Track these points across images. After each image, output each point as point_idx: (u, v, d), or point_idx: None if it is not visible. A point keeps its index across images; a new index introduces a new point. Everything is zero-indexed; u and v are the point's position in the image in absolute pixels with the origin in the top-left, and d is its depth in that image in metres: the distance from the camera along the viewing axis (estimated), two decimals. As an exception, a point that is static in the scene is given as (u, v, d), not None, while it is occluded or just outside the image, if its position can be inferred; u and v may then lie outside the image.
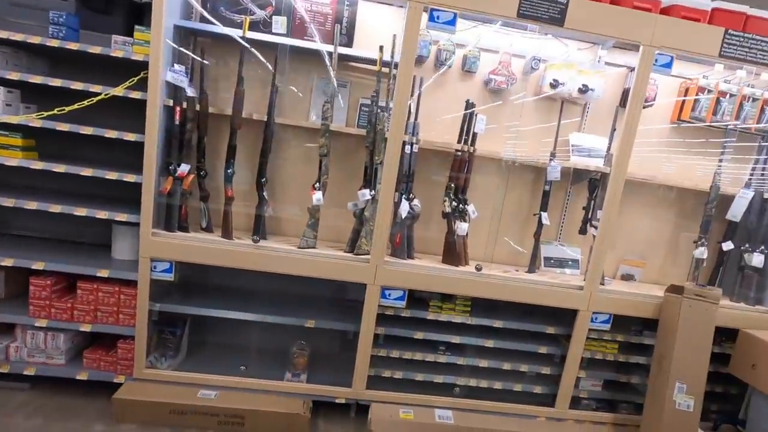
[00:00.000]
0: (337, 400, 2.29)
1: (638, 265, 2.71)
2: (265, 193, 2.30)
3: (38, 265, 2.03)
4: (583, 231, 2.50)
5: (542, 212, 2.47)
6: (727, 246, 2.54)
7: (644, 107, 2.22)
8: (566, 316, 2.36)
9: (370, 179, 2.26)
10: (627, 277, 2.72)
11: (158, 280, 2.13)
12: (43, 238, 2.40)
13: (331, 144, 2.24)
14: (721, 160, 2.51)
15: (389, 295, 2.21)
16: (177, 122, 2.13)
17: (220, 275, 2.46)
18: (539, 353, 2.40)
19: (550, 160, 2.42)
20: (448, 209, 2.38)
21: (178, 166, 2.16)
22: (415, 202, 2.35)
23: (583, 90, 2.37)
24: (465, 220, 2.38)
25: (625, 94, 2.46)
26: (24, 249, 2.16)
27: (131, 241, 2.20)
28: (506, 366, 2.38)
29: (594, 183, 2.46)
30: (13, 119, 1.95)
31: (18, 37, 1.92)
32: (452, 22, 2.02)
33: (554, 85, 2.38)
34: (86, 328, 2.11)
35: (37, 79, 1.95)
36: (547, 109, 2.53)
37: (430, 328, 2.34)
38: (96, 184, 2.11)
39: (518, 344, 2.39)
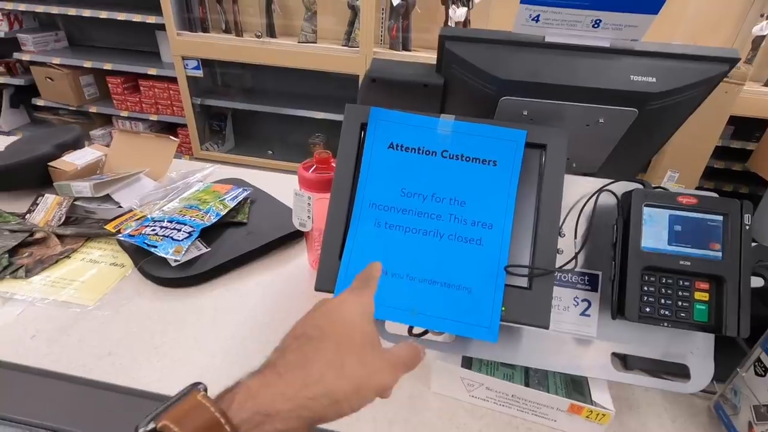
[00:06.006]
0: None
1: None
2: (270, -9, 2.41)
3: (107, 65, 2.59)
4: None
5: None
6: (812, 18, 2.01)
7: None
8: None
9: (360, -37, 2.19)
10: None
11: (194, 77, 2.56)
12: (110, 47, 2.94)
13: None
14: None
15: (381, 86, 2.35)
16: None
17: (254, 78, 2.82)
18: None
19: None
20: (446, -7, 2.24)
21: (187, -34, 2.34)
22: (412, -13, 2.25)
23: None
24: (465, 5, 2.23)
25: None
26: (97, 55, 2.72)
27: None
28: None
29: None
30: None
31: None
32: None
33: None
34: (154, 117, 2.74)
35: None
36: None
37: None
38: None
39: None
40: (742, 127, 2.16)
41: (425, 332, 0.60)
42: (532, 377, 0.58)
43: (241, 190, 0.97)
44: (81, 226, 0.88)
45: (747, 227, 0.49)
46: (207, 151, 2.82)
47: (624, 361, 0.65)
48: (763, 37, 2.03)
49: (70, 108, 2.80)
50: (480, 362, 0.60)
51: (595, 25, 0.48)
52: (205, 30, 2.50)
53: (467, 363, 0.59)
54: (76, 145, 1.08)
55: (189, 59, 2.48)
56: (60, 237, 0.85)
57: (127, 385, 0.59)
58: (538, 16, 0.48)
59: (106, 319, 0.69)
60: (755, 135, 2.10)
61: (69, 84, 2.67)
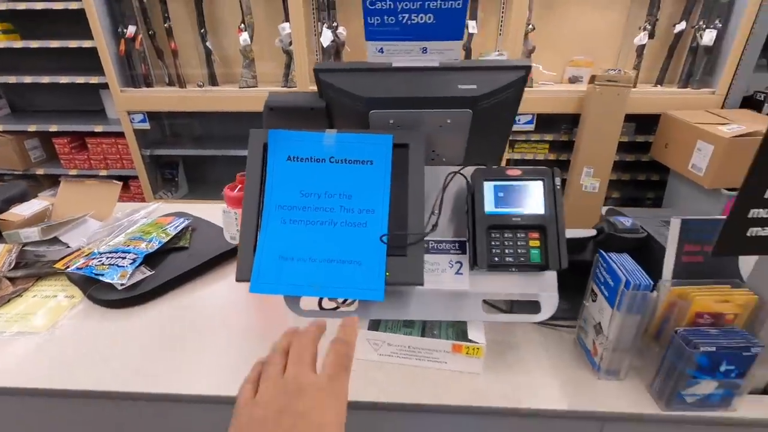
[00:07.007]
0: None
1: (586, 65, 2.64)
2: (208, 44, 2.57)
3: (53, 128, 2.64)
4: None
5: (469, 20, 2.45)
6: (680, 26, 2.36)
7: None
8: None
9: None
10: (574, 80, 2.69)
11: (141, 130, 2.65)
12: (55, 110, 3.00)
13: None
14: None
15: (322, 119, 2.53)
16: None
17: (201, 125, 2.94)
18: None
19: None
20: (370, 32, 2.47)
21: (126, 28, 2.48)
22: (340, 30, 2.47)
23: None
24: (389, 41, 2.47)
25: None
26: (41, 119, 2.77)
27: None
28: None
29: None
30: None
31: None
32: None
33: None
34: (104, 173, 2.79)
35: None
36: None
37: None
38: (76, 58, 2.55)
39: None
40: (643, 123, 2.45)
41: (336, 308, 0.72)
42: (428, 332, 0.71)
43: (182, 219, 1.08)
44: (31, 269, 0.96)
45: (558, 187, 0.65)
46: (160, 199, 2.87)
47: (511, 309, 0.80)
48: (644, 45, 2.36)
49: (16, 173, 2.80)
50: (385, 325, 0.72)
51: (424, 52, 0.64)
52: (148, 85, 2.62)
53: (374, 327, 0.71)
54: (23, 198, 1.15)
55: (135, 113, 2.58)
56: (11, 280, 0.92)
57: (79, 389, 0.67)
58: (382, 48, 0.64)
59: (59, 342, 0.77)
60: (653, 128, 2.39)
61: (13, 149, 2.69)
